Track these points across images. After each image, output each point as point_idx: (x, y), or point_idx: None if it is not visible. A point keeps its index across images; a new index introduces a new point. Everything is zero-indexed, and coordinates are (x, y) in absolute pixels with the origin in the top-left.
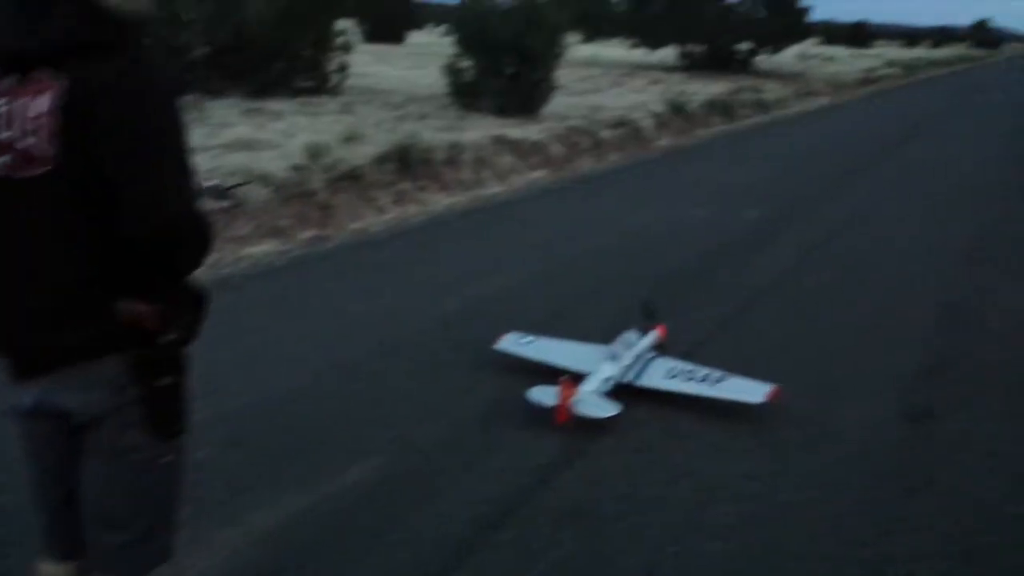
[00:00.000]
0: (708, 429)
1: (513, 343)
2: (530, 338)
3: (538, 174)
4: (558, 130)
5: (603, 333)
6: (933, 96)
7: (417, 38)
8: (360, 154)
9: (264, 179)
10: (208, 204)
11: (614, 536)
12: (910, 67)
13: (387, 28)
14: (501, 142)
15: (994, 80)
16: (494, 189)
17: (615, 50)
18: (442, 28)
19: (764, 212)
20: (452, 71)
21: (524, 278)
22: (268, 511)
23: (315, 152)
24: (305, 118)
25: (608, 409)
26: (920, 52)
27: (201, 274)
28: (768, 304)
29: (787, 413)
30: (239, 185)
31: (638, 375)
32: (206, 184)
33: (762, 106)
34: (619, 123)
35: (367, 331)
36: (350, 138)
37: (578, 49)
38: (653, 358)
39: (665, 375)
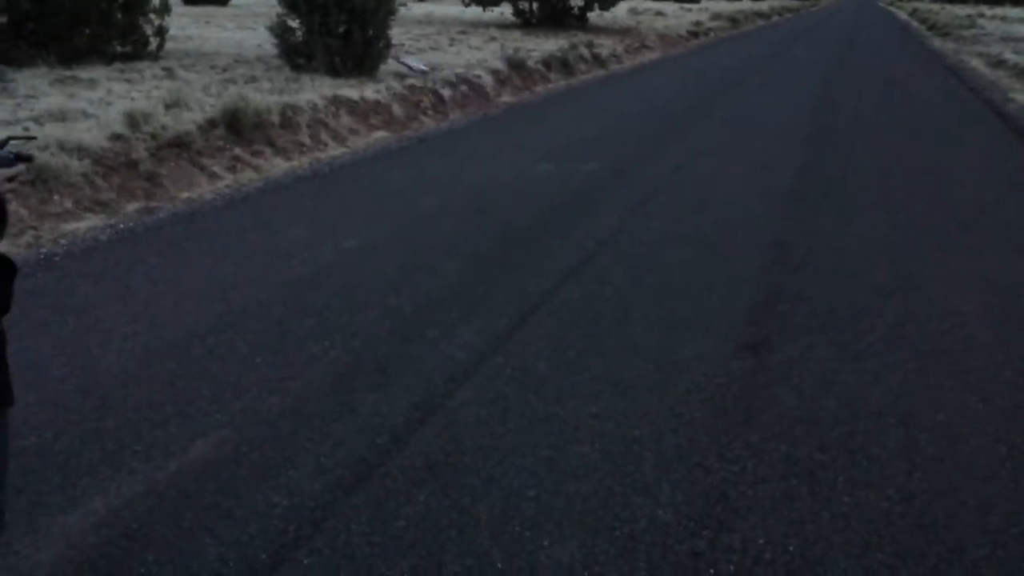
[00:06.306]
0: (560, 374)
1: None
2: None
3: (380, 134)
4: (397, 89)
5: (454, 292)
6: (753, 48)
7: None
8: (186, 120)
9: (80, 150)
10: None
11: (472, 486)
12: (734, 19)
13: None
14: (338, 103)
15: (810, 30)
16: (334, 151)
17: (449, 8)
18: None
19: (603, 164)
20: (280, 31)
21: (370, 241)
22: (106, 496)
23: (136, 120)
24: (123, 85)
25: None
26: (744, 5)
27: (15, 253)
28: (610, 251)
29: (634, 353)
30: (25, 139)
31: None
32: None
33: (598, 61)
34: (460, 81)
35: (205, 304)
36: (174, 104)
37: (412, 8)
38: None
39: None
